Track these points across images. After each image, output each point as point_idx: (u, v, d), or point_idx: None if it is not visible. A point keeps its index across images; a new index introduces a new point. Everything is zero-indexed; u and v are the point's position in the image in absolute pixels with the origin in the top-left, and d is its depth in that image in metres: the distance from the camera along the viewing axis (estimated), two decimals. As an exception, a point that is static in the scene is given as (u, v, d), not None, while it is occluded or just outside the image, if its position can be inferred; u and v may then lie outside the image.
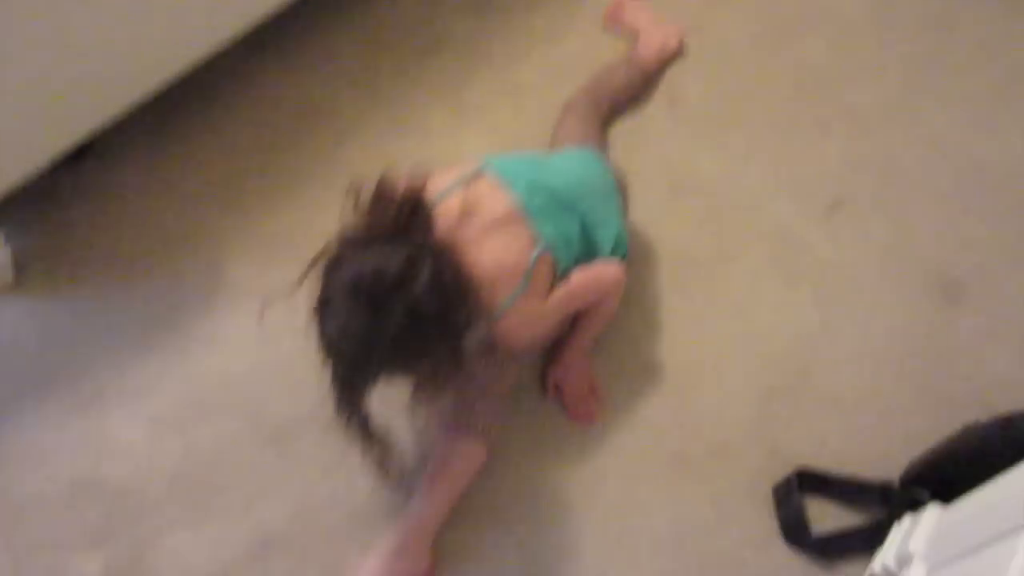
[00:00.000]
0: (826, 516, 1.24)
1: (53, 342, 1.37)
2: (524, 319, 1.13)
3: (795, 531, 1.21)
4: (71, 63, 1.29)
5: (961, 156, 1.67)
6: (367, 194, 1.03)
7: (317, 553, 1.18)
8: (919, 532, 1.10)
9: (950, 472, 1.20)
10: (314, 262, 1.04)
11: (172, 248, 1.48)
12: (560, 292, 1.21)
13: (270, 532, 1.20)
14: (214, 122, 1.63)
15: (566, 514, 1.24)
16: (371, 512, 1.21)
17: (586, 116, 1.56)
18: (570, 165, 1.34)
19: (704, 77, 1.76)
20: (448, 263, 1.03)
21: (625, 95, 1.67)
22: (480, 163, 1.24)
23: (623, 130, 1.66)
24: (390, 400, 1.12)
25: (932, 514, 1.13)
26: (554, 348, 1.37)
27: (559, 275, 1.21)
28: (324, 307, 1.01)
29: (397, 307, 0.97)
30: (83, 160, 1.54)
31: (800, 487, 1.24)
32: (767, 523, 1.23)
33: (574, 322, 1.33)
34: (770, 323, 1.45)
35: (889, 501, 1.22)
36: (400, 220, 1.02)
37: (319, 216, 1.52)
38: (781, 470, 1.27)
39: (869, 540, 1.19)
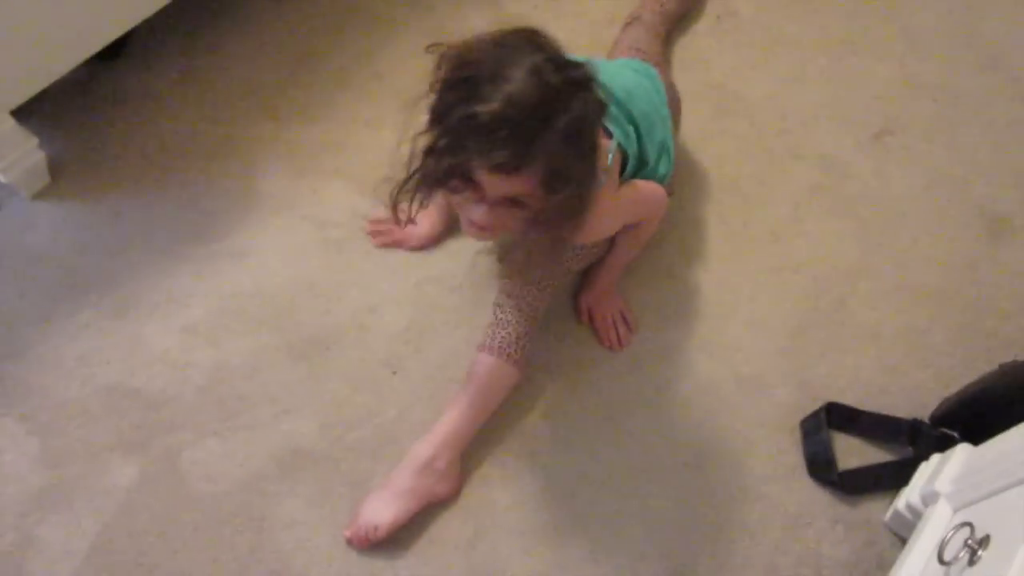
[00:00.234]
0: (852, 453, 1.23)
1: (88, 248, 1.38)
2: (600, 210, 1.10)
3: (821, 466, 1.21)
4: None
5: (1019, 83, 1.59)
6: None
7: (345, 467, 1.20)
8: (946, 471, 1.10)
9: (982, 412, 1.19)
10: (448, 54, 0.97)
11: (205, 156, 1.46)
12: (629, 191, 1.20)
13: (299, 444, 1.22)
14: (249, 27, 1.60)
15: (591, 440, 1.24)
16: (400, 429, 1.23)
17: (651, 26, 1.52)
18: (626, 72, 1.30)
19: (755, -10, 1.68)
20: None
21: (682, 8, 1.60)
22: None
23: (669, 45, 1.59)
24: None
25: (961, 453, 1.12)
26: (586, 274, 1.35)
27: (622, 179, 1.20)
28: (485, 80, 0.91)
29: (574, 103, 0.93)
30: (116, 60, 1.52)
31: (829, 422, 1.23)
32: (793, 457, 1.23)
33: (609, 246, 1.32)
34: (808, 253, 1.41)
35: (918, 439, 1.21)
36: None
37: (352, 130, 1.50)
38: (810, 404, 1.26)
39: (895, 477, 1.19)
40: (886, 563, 1.13)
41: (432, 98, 0.98)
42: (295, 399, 1.26)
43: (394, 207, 1.07)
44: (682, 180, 1.46)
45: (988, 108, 1.57)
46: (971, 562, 0.86)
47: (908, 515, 1.13)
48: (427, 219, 1.37)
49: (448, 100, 0.95)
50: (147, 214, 1.41)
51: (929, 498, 1.10)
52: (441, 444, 1.17)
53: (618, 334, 1.32)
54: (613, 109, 1.16)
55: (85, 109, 1.49)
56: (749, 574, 1.15)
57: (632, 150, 1.19)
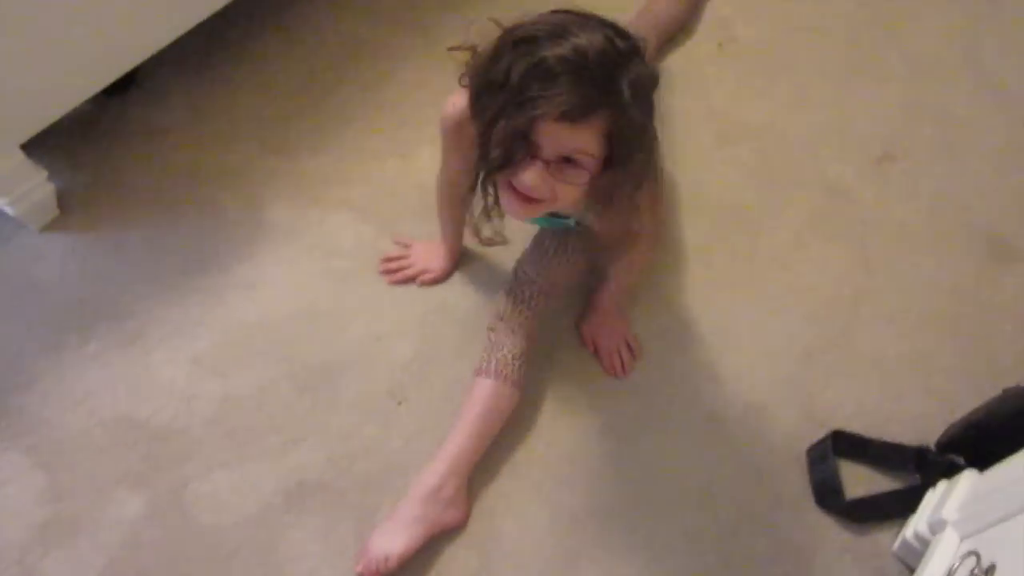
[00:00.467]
0: (859, 481, 1.23)
1: (96, 279, 1.38)
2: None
3: (828, 494, 1.21)
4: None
5: (1019, 109, 1.60)
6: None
7: (352, 498, 1.20)
8: (953, 498, 1.10)
9: (988, 438, 1.19)
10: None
11: (214, 187, 1.48)
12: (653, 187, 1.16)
13: (306, 477, 1.22)
14: (258, 59, 1.62)
15: (597, 470, 1.24)
16: (406, 460, 1.23)
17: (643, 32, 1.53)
18: None
19: (755, 18, 1.70)
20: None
21: (674, 21, 1.62)
22: None
23: (671, 72, 1.61)
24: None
25: (967, 480, 1.12)
26: (589, 302, 1.36)
27: None
28: (547, 37, 0.90)
29: (637, 65, 0.92)
30: (127, 93, 1.54)
31: (835, 450, 1.23)
32: (799, 486, 1.23)
33: (609, 272, 1.32)
34: (812, 279, 1.42)
35: (924, 466, 1.21)
36: None
37: (360, 159, 1.52)
38: (816, 432, 1.26)
39: (903, 505, 1.19)
40: (895, 593, 1.13)
41: (477, 77, 0.96)
42: (302, 431, 1.26)
43: (475, 229, 1.09)
44: (687, 206, 1.47)
45: (988, 133, 1.58)
46: (978, 593, 0.86)
47: (916, 544, 1.13)
48: (439, 256, 1.38)
49: (505, 63, 0.92)
50: (155, 246, 1.42)
51: (936, 526, 1.10)
52: (447, 471, 1.17)
53: (622, 361, 1.32)
54: None
55: (94, 142, 1.51)
56: (757, 604, 1.15)
57: None
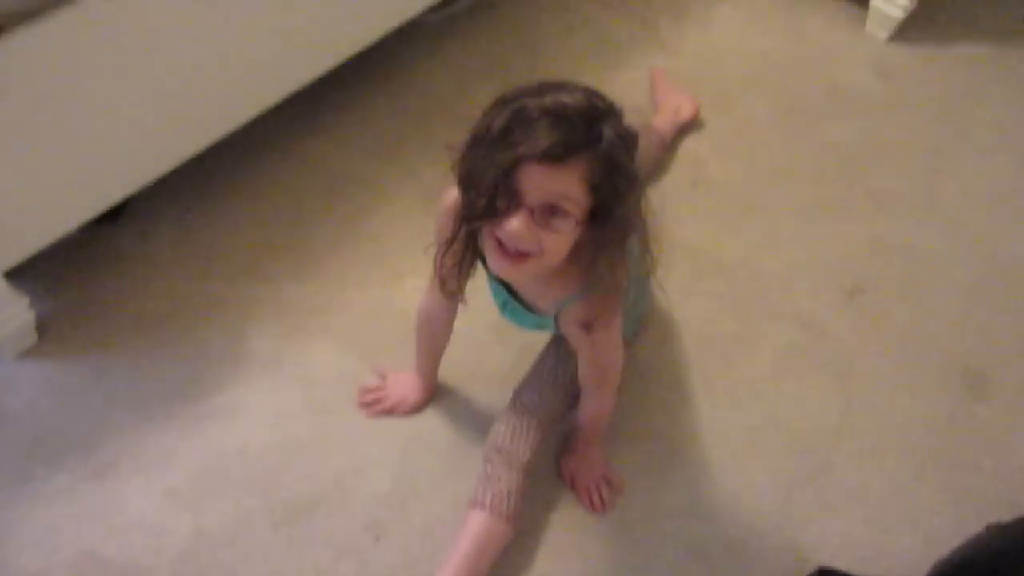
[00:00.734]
0: (848, 619, 1.21)
1: (71, 409, 1.36)
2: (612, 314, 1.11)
3: (816, 634, 1.18)
4: (106, 130, 1.31)
5: (982, 243, 1.67)
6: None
7: (326, 640, 1.16)
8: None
9: (974, 574, 1.17)
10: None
11: (197, 316, 1.48)
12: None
13: (279, 617, 1.18)
14: (246, 189, 1.65)
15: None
16: (383, 599, 1.19)
17: None
18: None
19: (728, 158, 1.78)
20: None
21: (644, 161, 1.68)
22: None
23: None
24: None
25: (957, 620, 1.10)
26: (567, 438, 1.36)
27: None
28: (532, 95, 0.93)
29: (618, 120, 0.95)
30: (116, 221, 1.56)
31: (822, 588, 1.21)
32: (788, 625, 1.20)
33: (568, 399, 1.32)
34: (791, 413, 1.43)
35: (913, 605, 1.19)
36: None
37: (342, 288, 1.53)
38: (802, 569, 1.24)
39: (893, 646, 1.16)
40: None
41: (465, 143, 0.98)
42: (276, 568, 1.22)
43: (441, 281, 1.09)
44: (664, 340, 1.50)
45: (954, 267, 1.63)
46: None
47: None
48: (414, 387, 1.38)
49: (488, 119, 0.94)
50: (134, 374, 1.41)
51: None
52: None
53: (601, 497, 1.31)
54: None
55: (78, 269, 1.52)
56: None
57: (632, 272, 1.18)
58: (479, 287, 1.29)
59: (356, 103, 1.80)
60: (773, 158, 1.79)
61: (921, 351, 1.52)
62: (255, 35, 1.43)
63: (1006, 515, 1.22)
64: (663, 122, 1.74)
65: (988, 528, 1.21)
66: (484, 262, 1.09)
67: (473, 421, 1.38)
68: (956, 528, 1.26)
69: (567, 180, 0.92)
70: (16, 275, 1.35)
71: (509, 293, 1.19)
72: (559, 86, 0.95)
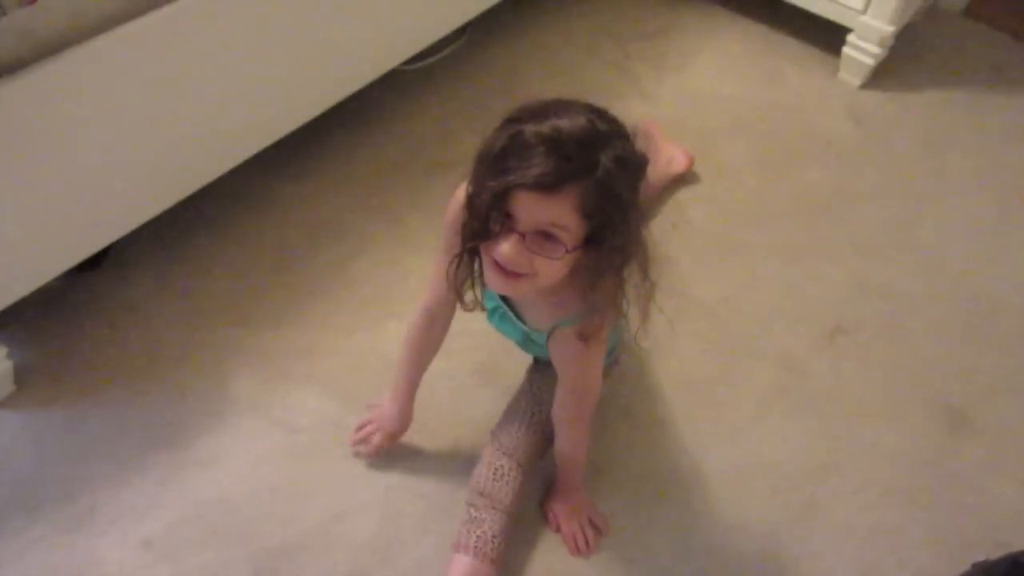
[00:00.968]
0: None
1: (48, 459, 1.34)
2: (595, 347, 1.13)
3: (807, 678, 1.17)
4: (90, 177, 1.31)
5: (961, 283, 1.69)
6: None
7: None
8: None
9: (963, 615, 1.17)
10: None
11: (178, 363, 1.47)
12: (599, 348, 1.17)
13: (259, 668, 1.15)
14: (229, 235, 1.66)
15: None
16: (366, 648, 1.17)
17: None
18: None
19: (707, 201, 1.80)
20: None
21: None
22: None
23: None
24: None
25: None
26: (551, 481, 1.35)
27: None
28: (533, 118, 0.93)
29: (618, 144, 0.94)
30: (98, 267, 1.55)
31: (810, 629, 1.20)
32: (777, 668, 1.19)
33: (555, 451, 1.31)
34: (774, 452, 1.43)
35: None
36: None
37: (326, 334, 1.53)
38: (790, 610, 1.23)
39: None
40: None
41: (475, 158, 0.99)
42: (255, 618, 1.20)
43: (458, 293, 1.09)
44: (646, 382, 1.50)
45: (933, 307, 1.65)
46: None
47: None
48: (391, 417, 1.36)
49: (491, 140, 0.95)
50: (113, 422, 1.39)
51: None
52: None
53: (586, 539, 1.30)
54: None
55: (58, 317, 1.51)
56: None
57: None
58: (464, 329, 1.30)
59: (339, 149, 1.82)
60: (752, 201, 1.82)
61: (903, 390, 1.53)
62: (238, 84, 1.45)
63: (992, 553, 1.22)
64: (654, 173, 1.74)
65: (974, 566, 1.21)
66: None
67: (456, 464, 1.36)
68: (942, 567, 1.26)
69: (559, 209, 0.93)
70: (-6, 323, 1.35)
71: (502, 299, 1.19)
72: (565, 107, 0.95)
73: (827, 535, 1.33)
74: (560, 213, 0.93)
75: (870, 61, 2.03)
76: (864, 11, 1.97)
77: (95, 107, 1.25)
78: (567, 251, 0.96)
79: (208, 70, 1.38)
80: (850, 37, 2.03)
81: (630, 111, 1.92)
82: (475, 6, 1.89)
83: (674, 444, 1.42)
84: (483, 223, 0.97)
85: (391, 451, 1.37)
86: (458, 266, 1.07)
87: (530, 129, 0.92)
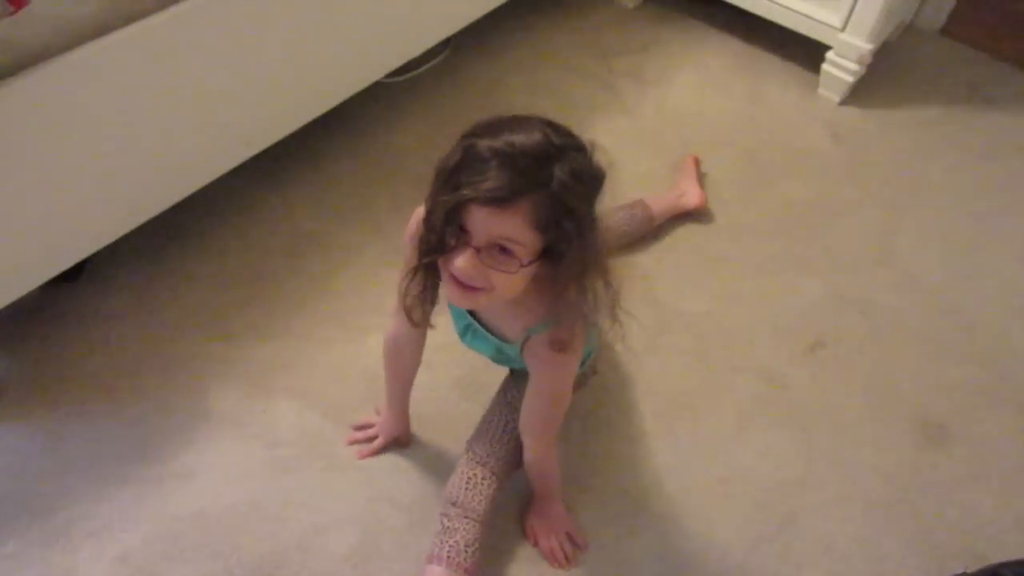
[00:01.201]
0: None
1: (24, 473, 1.33)
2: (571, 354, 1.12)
3: None
4: (70, 189, 1.31)
5: (938, 297, 1.71)
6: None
7: None
8: None
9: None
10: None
11: (156, 375, 1.46)
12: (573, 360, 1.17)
13: None
14: (210, 247, 1.65)
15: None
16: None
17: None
18: None
19: (688, 216, 1.81)
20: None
21: (619, 233, 1.71)
22: None
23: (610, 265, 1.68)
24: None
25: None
26: (531, 497, 1.35)
27: None
28: (488, 133, 0.93)
29: (573, 157, 0.94)
30: (77, 279, 1.54)
31: (791, 643, 1.20)
32: None
33: (525, 466, 1.31)
34: (755, 465, 1.43)
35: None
36: None
37: (307, 346, 1.52)
38: (771, 624, 1.23)
39: None
40: None
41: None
42: (234, 633, 1.18)
43: (407, 310, 1.10)
44: (629, 394, 1.50)
45: (910, 321, 1.66)
46: None
47: None
48: (393, 423, 1.38)
49: (449, 154, 0.96)
50: (91, 436, 1.38)
51: None
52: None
53: (565, 553, 1.30)
54: None
55: (37, 329, 1.50)
56: None
57: None
58: (445, 343, 1.30)
59: (321, 162, 1.82)
60: (733, 215, 1.83)
61: (882, 404, 1.54)
62: (220, 96, 1.45)
63: (970, 566, 1.23)
64: (663, 201, 1.77)
65: (953, 579, 1.22)
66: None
67: (436, 477, 1.36)
68: (922, 579, 1.27)
69: (511, 222, 0.93)
70: (-29, 335, 1.33)
71: (472, 317, 1.20)
72: (521, 122, 0.95)
73: (806, 548, 1.34)
74: (513, 227, 0.93)
75: (849, 78, 2.05)
76: (843, 29, 2.00)
77: (75, 119, 1.25)
78: (522, 265, 0.97)
79: (190, 82, 1.38)
80: (829, 54, 2.06)
81: (612, 125, 1.97)
82: (459, 19, 1.90)
83: (655, 457, 1.43)
84: (439, 237, 0.97)
85: (372, 463, 1.37)
86: (411, 280, 1.09)
87: (484, 143, 0.92)
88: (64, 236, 1.36)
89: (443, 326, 1.26)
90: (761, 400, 1.52)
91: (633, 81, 2.12)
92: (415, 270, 1.07)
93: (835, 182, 1.92)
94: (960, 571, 1.22)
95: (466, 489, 1.25)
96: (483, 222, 0.93)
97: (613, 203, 1.67)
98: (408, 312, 1.13)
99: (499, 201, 0.91)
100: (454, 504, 1.24)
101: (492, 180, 0.90)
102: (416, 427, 1.41)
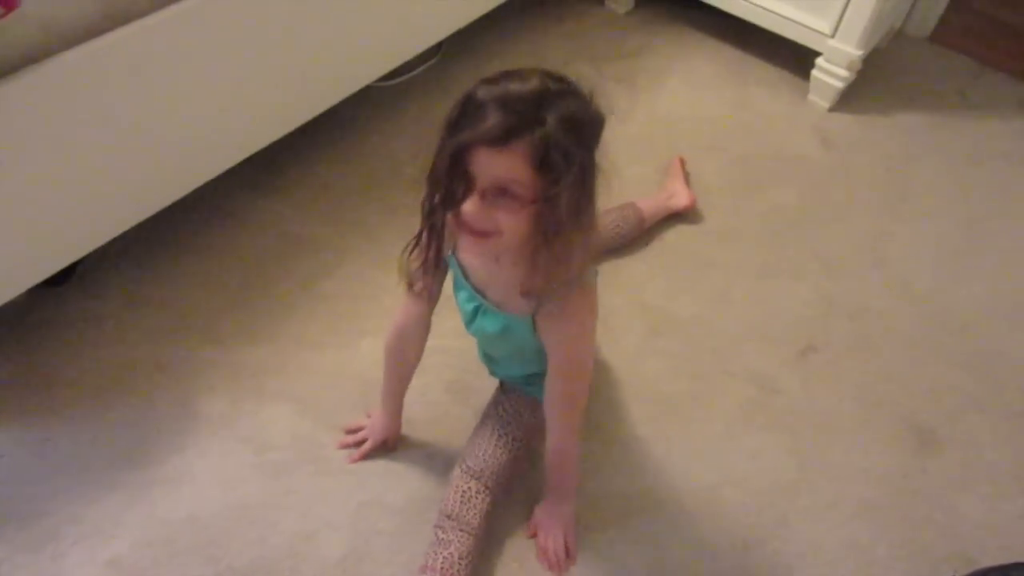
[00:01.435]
0: None
1: (12, 478, 1.32)
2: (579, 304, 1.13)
3: None
4: (59, 191, 1.30)
5: (928, 302, 1.72)
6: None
7: None
8: None
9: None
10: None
11: (145, 379, 1.45)
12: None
13: None
14: (200, 250, 1.64)
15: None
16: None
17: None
18: None
19: (679, 220, 1.82)
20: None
21: (610, 233, 1.71)
22: None
23: (604, 269, 1.68)
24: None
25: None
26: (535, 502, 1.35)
27: None
28: (489, 83, 0.96)
29: (571, 101, 0.96)
30: (65, 282, 1.53)
31: (782, 646, 1.20)
32: None
33: (547, 448, 1.30)
34: (746, 469, 1.43)
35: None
36: None
37: (298, 350, 1.52)
38: (762, 628, 1.23)
39: None
40: None
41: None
42: (223, 639, 1.18)
43: (408, 280, 1.14)
44: (620, 398, 1.50)
45: (901, 326, 1.67)
46: None
47: None
48: (385, 424, 1.37)
49: (451, 110, 0.99)
50: (80, 440, 1.37)
51: None
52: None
53: (557, 558, 1.29)
54: None
55: (26, 332, 1.49)
56: None
57: None
58: (437, 346, 1.30)
59: (312, 165, 1.82)
60: (723, 220, 1.83)
61: (872, 408, 1.54)
62: (210, 100, 1.45)
63: (960, 569, 1.23)
64: (653, 203, 1.78)
65: (943, 583, 1.22)
66: (449, 263, 1.15)
67: (428, 482, 1.36)
68: (913, 583, 1.27)
69: (511, 163, 0.95)
70: (-41, 339, 1.32)
71: (482, 298, 1.19)
72: (520, 73, 0.98)
73: (798, 552, 1.34)
74: (512, 167, 0.95)
75: (839, 84, 2.07)
76: (832, 35, 2.01)
77: (64, 122, 1.24)
78: (524, 204, 0.98)
79: (180, 85, 1.38)
80: (819, 60, 2.07)
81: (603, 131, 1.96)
82: (450, 24, 1.90)
83: (646, 461, 1.43)
84: (447, 189, 1.00)
85: (363, 467, 1.37)
86: (415, 247, 1.11)
87: (482, 91, 0.96)
88: (52, 239, 1.35)
89: (435, 328, 1.25)
90: (752, 404, 1.53)
91: (624, 86, 2.12)
92: (419, 234, 1.09)
93: (825, 188, 1.93)
94: (949, 575, 1.22)
95: (461, 503, 1.25)
96: (484, 163, 0.96)
97: (604, 206, 1.67)
98: (409, 283, 1.16)
99: (496, 140, 0.94)
100: (449, 517, 1.24)
101: (491, 123, 0.93)
102: (407, 430, 1.41)
